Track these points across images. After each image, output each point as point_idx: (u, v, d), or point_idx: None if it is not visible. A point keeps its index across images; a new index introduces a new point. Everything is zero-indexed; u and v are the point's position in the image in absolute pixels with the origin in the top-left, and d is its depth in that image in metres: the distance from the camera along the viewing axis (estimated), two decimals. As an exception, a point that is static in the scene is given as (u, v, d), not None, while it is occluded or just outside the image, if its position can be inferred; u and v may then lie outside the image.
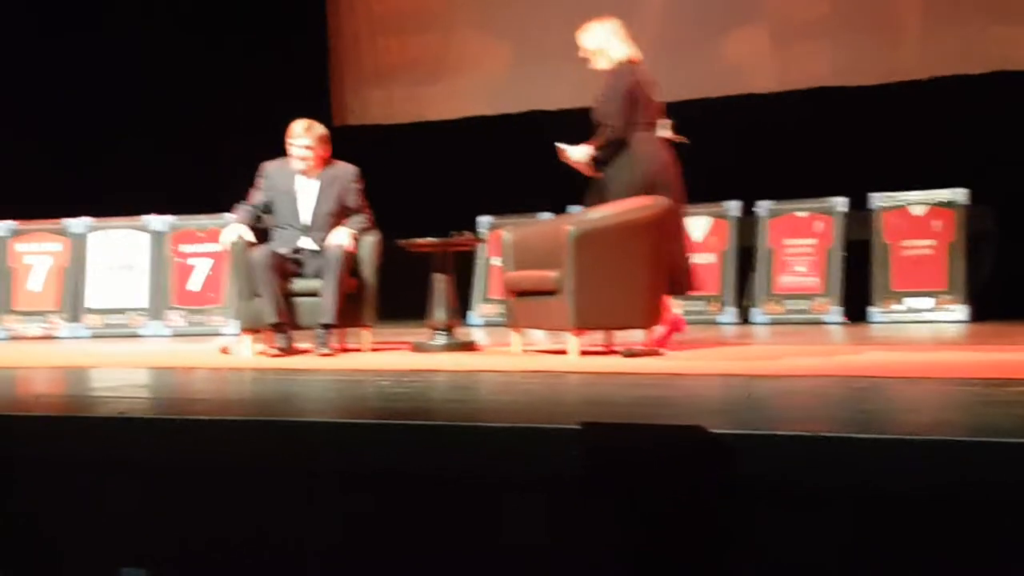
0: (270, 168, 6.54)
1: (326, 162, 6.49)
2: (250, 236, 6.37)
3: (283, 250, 6.36)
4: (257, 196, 6.51)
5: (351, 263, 6.32)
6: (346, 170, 6.56)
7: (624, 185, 5.98)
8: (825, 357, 5.62)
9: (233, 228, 6.38)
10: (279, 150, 6.58)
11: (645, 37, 9.62)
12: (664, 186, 6.03)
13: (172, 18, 10.18)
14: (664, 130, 6.27)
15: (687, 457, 2.78)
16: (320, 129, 6.50)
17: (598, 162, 6.10)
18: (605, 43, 6.28)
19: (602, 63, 6.25)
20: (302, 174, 6.45)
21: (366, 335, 6.51)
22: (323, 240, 6.39)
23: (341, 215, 6.47)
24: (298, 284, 6.31)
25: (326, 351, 6.11)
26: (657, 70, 9.42)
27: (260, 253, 6.23)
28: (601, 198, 6.03)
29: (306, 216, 6.44)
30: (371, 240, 6.47)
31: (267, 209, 6.52)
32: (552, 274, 5.71)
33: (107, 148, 9.79)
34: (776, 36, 9.06)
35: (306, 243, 6.41)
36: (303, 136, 6.44)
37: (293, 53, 10.27)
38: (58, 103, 10.01)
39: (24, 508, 3.61)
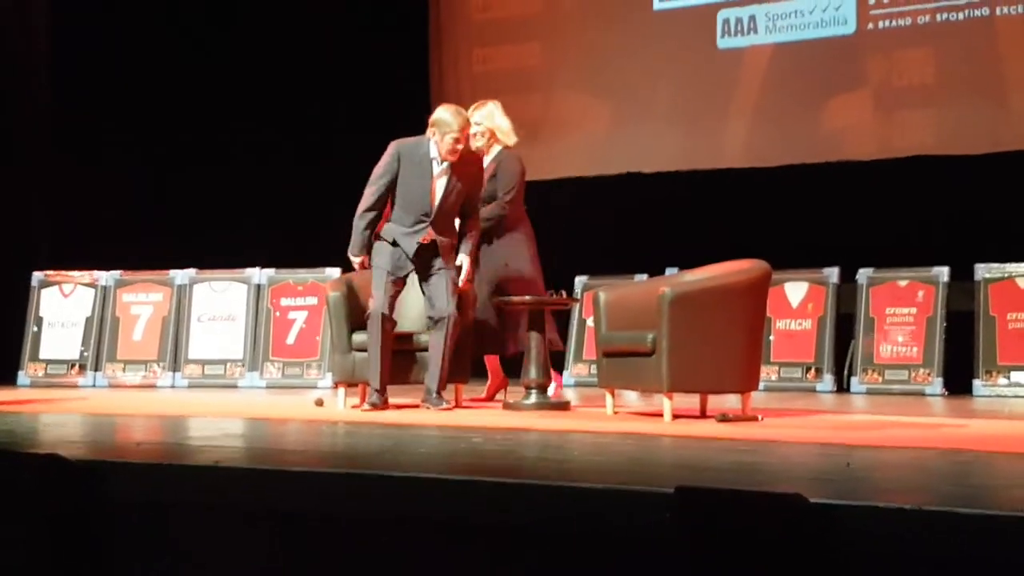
0: (404, 149, 6.27)
1: None
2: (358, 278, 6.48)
3: (401, 267, 6.23)
4: (386, 179, 6.26)
5: (468, 300, 6.37)
6: (476, 159, 6.47)
7: (524, 260, 6.73)
8: (927, 428, 5.49)
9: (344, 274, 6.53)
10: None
11: (748, 102, 9.64)
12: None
13: (275, 77, 10.39)
14: None
15: (785, 526, 2.72)
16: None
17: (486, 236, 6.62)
18: (499, 122, 6.75)
19: (486, 141, 6.70)
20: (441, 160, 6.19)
21: (459, 392, 6.53)
22: (441, 233, 6.23)
23: (459, 210, 6.33)
24: (404, 340, 6.35)
25: (444, 406, 6.13)
26: (759, 135, 9.43)
27: (376, 317, 6.17)
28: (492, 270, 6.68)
29: (435, 204, 6.21)
30: (467, 297, 6.49)
31: (389, 189, 6.26)
32: (646, 335, 5.67)
33: (212, 200, 9.99)
34: (879, 103, 8.97)
35: (427, 234, 6.21)
36: (465, 124, 6.20)
37: (395, 113, 10.42)
38: (166, 156, 10.26)
39: (121, 552, 3.65)
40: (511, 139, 6.79)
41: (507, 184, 6.75)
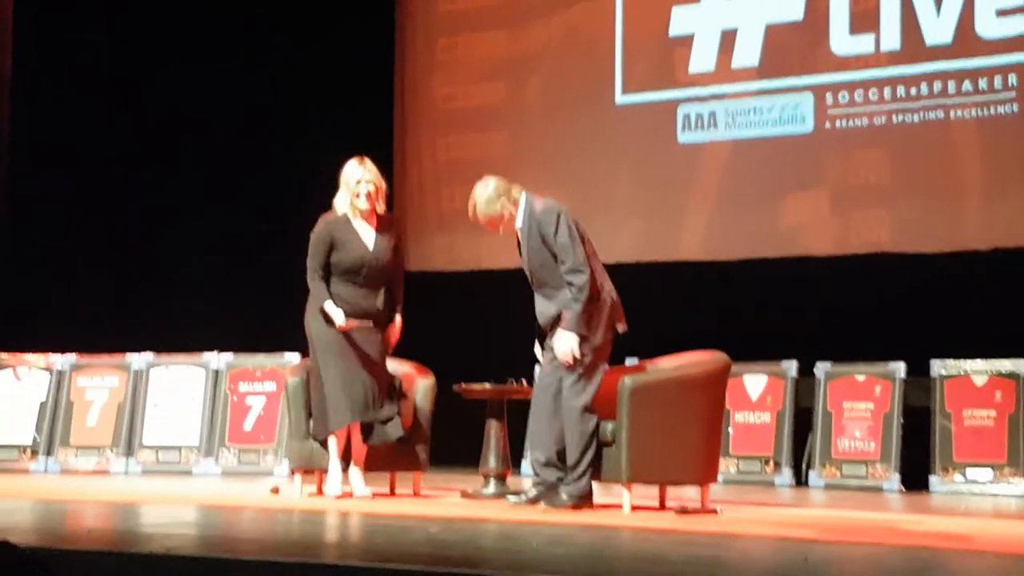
0: None
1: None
2: None
3: None
4: None
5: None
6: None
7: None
8: (884, 524, 5.50)
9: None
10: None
11: (707, 196, 9.76)
12: None
13: (235, 159, 10.42)
14: None
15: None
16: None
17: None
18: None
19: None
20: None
21: (417, 480, 6.47)
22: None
23: None
24: None
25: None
26: (717, 229, 9.52)
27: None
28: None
29: None
30: (426, 384, 6.47)
31: None
32: (606, 426, 5.66)
33: (170, 283, 9.95)
34: (836, 200, 9.09)
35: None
36: None
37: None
38: (122, 235, 10.23)
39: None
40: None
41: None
